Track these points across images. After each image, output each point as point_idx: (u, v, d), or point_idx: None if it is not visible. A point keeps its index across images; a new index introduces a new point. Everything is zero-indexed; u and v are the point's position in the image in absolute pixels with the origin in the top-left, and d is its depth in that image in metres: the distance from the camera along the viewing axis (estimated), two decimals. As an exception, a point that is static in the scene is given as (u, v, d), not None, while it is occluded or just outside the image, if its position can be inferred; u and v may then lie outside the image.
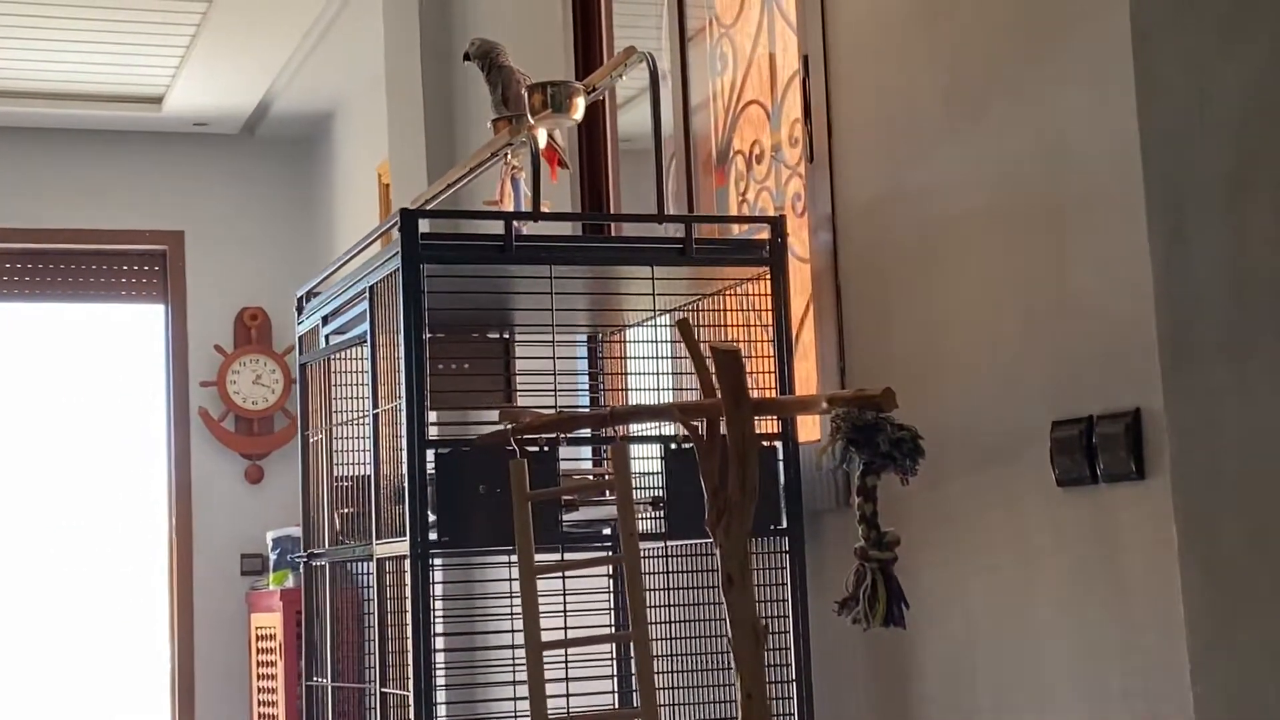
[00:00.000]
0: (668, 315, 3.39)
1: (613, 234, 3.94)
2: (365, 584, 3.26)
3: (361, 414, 3.26)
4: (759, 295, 3.21)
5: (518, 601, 2.61)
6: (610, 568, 3.34)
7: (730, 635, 2.47)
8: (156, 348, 8.14)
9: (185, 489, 7.92)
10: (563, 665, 3.01)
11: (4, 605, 7.57)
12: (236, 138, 8.15)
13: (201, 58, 6.99)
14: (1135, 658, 2.37)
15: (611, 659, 3.37)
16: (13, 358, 7.85)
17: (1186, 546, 2.28)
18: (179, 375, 8.01)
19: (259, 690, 7.29)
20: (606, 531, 3.21)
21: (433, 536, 2.90)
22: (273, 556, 7.33)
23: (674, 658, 3.20)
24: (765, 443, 3.06)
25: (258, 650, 7.33)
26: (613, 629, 3.41)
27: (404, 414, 2.92)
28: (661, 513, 3.05)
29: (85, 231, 7.94)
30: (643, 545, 2.84)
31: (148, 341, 8.17)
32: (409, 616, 2.88)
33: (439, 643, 2.95)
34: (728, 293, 3.29)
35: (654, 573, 3.21)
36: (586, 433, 3.19)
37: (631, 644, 2.59)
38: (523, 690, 2.64)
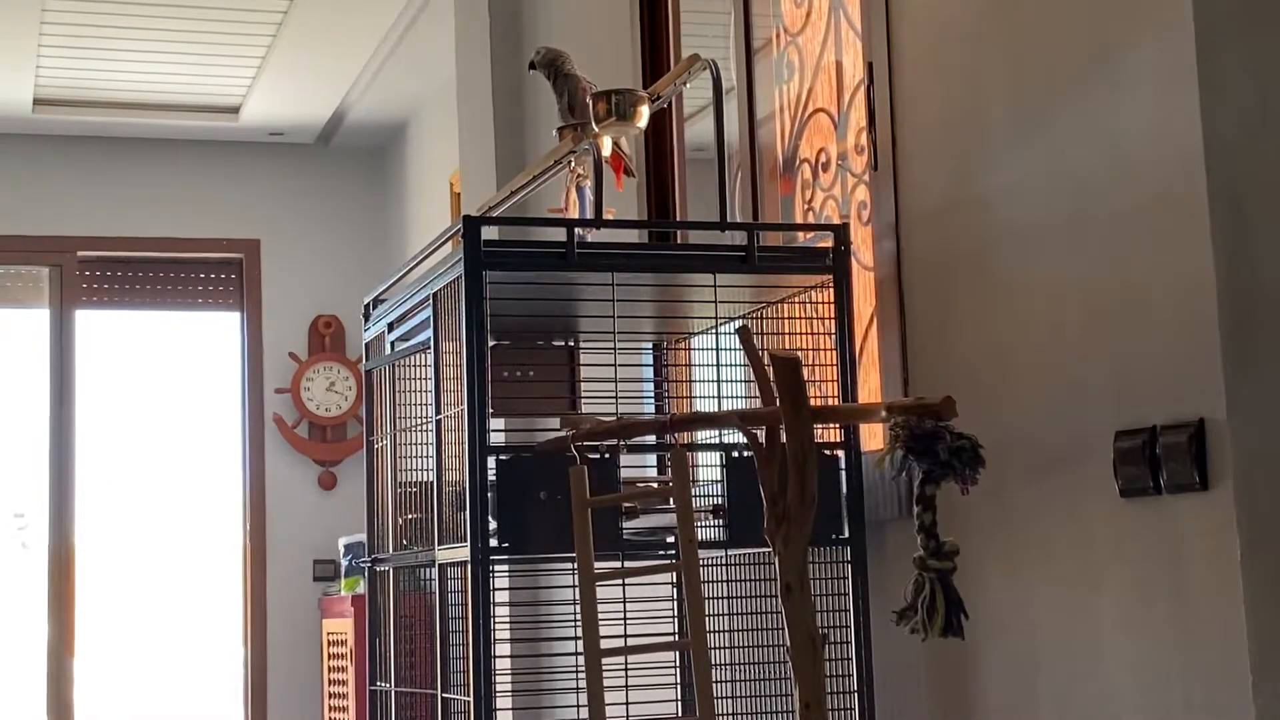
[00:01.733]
0: (732, 323, 3.38)
1: (677, 242, 3.93)
2: (432, 590, 3.27)
3: (425, 420, 3.28)
4: (823, 303, 3.20)
5: (579, 608, 2.61)
6: (671, 575, 3.34)
7: (789, 644, 2.46)
8: (232, 354, 8.23)
9: (260, 495, 8.00)
10: (623, 672, 3.01)
11: (82, 606, 7.67)
12: (311, 147, 8.22)
13: (277, 69, 7.06)
14: (1198, 669, 2.34)
15: (674, 667, 3.37)
16: (93, 364, 7.95)
17: (1249, 557, 2.25)
18: (254, 382, 8.10)
19: (330, 695, 7.35)
20: (670, 540, 3.20)
21: (494, 543, 2.92)
22: (344, 563, 7.38)
23: (734, 666, 3.19)
24: (828, 451, 3.05)
25: (329, 655, 7.39)
26: (675, 637, 3.40)
27: (465, 420, 2.93)
28: (722, 521, 3.04)
29: (163, 240, 8.04)
30: (703, 553, 2.83)
31: (224, 348, 8.26)
32: (469, 622, 2.89)
33: (502, 649, 2.96)
34: (792, 300, 3.28)
35: (714, 581, 3.20)
36: (650, 440, 3.18)
37: (690, 652, 2.59)
38: (584, 697, 2.64)
